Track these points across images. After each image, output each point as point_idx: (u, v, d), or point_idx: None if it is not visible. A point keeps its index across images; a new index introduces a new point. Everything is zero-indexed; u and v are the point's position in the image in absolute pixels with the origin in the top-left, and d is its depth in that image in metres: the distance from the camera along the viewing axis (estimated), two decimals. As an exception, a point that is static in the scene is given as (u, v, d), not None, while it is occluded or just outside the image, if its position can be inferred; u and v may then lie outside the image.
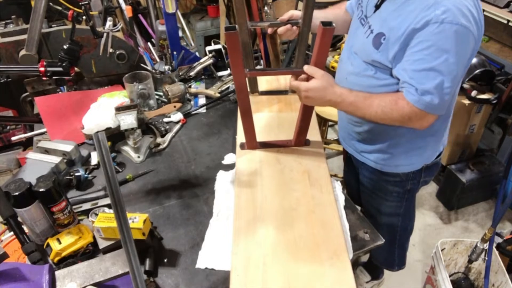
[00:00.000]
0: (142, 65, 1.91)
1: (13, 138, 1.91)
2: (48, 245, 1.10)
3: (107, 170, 0.79)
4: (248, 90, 1.29)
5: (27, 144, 2.40)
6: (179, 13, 2.16)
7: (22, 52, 1.71)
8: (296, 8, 3.14)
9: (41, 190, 1.07)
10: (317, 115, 2.33)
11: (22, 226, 1.09)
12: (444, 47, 1.01)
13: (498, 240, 1.87)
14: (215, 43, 2.14)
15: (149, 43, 2.10)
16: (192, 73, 1.98)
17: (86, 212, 1.25)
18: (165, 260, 1.12)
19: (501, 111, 2.37)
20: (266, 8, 2.29)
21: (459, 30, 1.00)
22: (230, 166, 1.44)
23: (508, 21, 2.30)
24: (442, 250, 1.88)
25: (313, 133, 1.41)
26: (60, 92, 1.88)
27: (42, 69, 1.54)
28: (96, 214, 1.19)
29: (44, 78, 1.58)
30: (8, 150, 2.64)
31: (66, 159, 1.41)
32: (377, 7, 1.19)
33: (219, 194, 1.32)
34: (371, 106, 1.14)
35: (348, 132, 1.45)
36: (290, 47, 2.91)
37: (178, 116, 1.72)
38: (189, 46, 2.28)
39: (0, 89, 2.24)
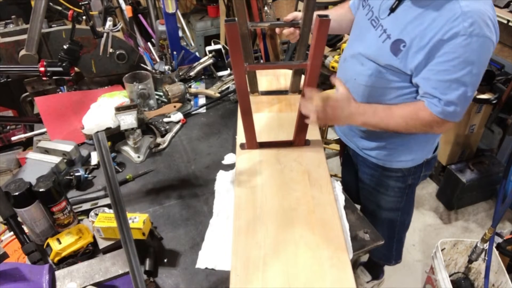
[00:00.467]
0: (142, 65, 1.91)
1: (13, 138, 1.91)
2: (48, 245, 1.10)
3: (107, 170, 0.79)
4: (248, 90, 1.29)
5: (27, 144, 2.40)
6: (179, 13, 2.16)
7: (22, 52, 1.71)
8: (296, 8, 3.15)
9: (41, 190, 1.07)
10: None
11: (22, 226, 1.09)
12: (469, 59, 1.03)
13: (498, 240, 1.87)
14: (215, 43, 2.14)
15: (149, 43, 2.10)
16: (192, 73, 1.98)
17: (86, 212, 1.25)
18: (165, 260, 1.12)
19: (501, 111, 2.37)
20: (266, 8, 2.30)
21: (485, 42, 1.02)
22: (230, 166, 1.44)
23: (508, 21, 2.30)
24: (442, 250, 1.88)
25: (313, 133, 1.41)
26: (60, 92, 1.88)
27: (42, 69, 1.54)
28: (96, 214, 1.18)
29: (44, 78, 1.58)
30: (8, 150, 2.64)
31: (66, 159, 1.41)
32: (392, 10, 1.17)
33: (219, 194, 1.32)
34: (393, 117, 1.16)
35: (350, 129, 1.46)
36: (290, 47, 2.91)
37: (178, 116, 1.72)
38: (189, 46, 2.28)
39: (0, 89, 2.24)
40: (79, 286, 1.01)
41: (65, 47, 1.58)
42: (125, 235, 0.81)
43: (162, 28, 2.05)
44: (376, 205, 1.57)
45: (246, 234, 1.06)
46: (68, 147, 1.41)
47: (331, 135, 3.18)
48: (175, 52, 1.96)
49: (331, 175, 1.28)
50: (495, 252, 1.79)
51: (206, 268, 1.09)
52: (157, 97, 1.84)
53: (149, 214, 1.19)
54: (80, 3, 1.55)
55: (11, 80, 1.93)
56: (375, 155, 1.41)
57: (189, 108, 1.80)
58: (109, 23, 1.72)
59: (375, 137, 1.37)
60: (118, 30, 1.78)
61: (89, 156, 1.51)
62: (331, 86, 2.74)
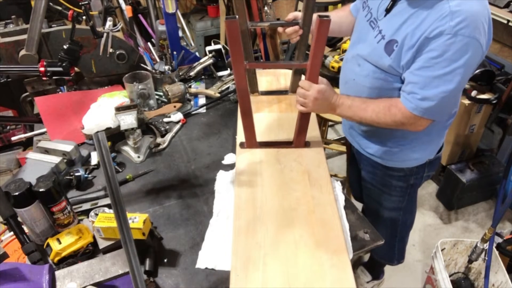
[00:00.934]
0: (142, 65, 1.91)
1: (13, 138, 1.91)
2: (48, 245, 1.10)
3: (107, 170, 0.79)
4: (248, 90, 1.29)
5: (27, 144, 2.40)
6: (179, 13, 2.16)
7: (22, 52, 1.71)
8: (296, 8, 3.15)
9: (41, 190, 1.07)
10: (317, 115, 2.33)
11: (22, 226, 1.09)
12: (453, 57, 1.03)
13: (498, 240, 1.87)
14: (215, 43, 2.14)
15: (149, 43, 2.10)
16: (192, 73, 1.98)
17: (86, 212, 1.25)
18: (165, 260, 1.12)
19: (501, 111, 2.37)
20: (266, 8, 2.30)
21: (470, 42, 1.01)
22: (230, 166, 1.44)
23: (508, 21, 2.30)
24: (442, 250, 1.88)
25: (313, 134, 1.41)
26: (60, 92, 1.88)
27: (42, 69, 1.54)
28: (96, 214, 1.18)
29: (44, 78, 1.58)
30: (8, 150, 2.64)
31: (66, 159, 1.41)
32: (388, 10, 1.18)
33: (219, 194, 1.32)
34: (366, 111, 1.20)
35: (353, 128, 1.47)
36: (290, 47, 2.91)
37: (178, 116, 1.72)
38: (189, 46, 2.28)
39: (0, 89, 2.24)
40: (79, 286, 1.01)
41: (65, 47, 1.58)
42: (125, 235, 0.81)
43: (162, 28, 2.05)
44: (378, 204, 1.58)
45: (246, 234, 1.07)
46: (68, 147, 1.41)
47: (331, 135, 3.18)
48: (175, 52, 1.96)
49: (331, 175, 1.28)
50: (495, 252, 1.79)
51: (206, 268, 1.09)
52: (157, 97, 1.84)
53: (149, 214, 1.19)
54: (80, 3, 1.55)
55: (11, 80, 1.93)
56: (377, 154, 1.41)
57: (189, 108, 1.80)
58: (109, 23, 1.72)
59: (376, 136, 1.38)
60: (118, 30, 1.78)
61: (89, 156, 1.51)
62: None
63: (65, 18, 1.58)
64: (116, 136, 1.54)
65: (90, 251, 1.12)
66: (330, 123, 2.54)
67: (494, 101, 2.30)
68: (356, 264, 2.10)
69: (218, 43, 2.13)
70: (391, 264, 1.82)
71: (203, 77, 2.04)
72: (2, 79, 1.91)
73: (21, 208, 1.07)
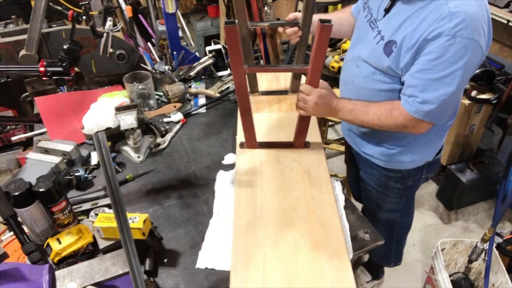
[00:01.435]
0: (142, 65, 1.91)
1: (13, 138, 1.91)
2: (48, 245, 1.10)
3: (107, 170, 0.79)
4: (248, 90, 1.29)
5: (27, 144, 2.40)
6: (179, 13, 2.16)
7: (22, 52, 1.71)
8: (296, 8, 3.15)
9: (41, 190, 1.07)
10: (317, 115, 2.33)
11: (22, 226, 1.09)
12: (452, 59, 1.02)
13: (498, 240, 1.87)
14: (215, 43, 2.14)
15: (149, 43, 2.10)
16: (192, 73, 1.98)
17: (86, 212, 1.25)
18: (165, 260, 1.12)
19: (501, 111, 2.37)
20: (266, 8, 2.30)
21: (469, 44, 1.01)
22: (230, 166, 1.44)
23: (508, 21, 2.30)
24: (442, 250, 1.88)
25: (313, 134, 1.41)
26: (60, 92, 1.88)
27: (42, 69, 1.54)
28: (96, 214, 1.19)
29: (44, 78, 1.58)
30: (8, 150, 2.64)
31: (66, 159, 1.41)
32: (387, 11, 1.18)
33: (219, 194, 1.32)
34: (368, 114, 1.19)
35: (351, 129, 1.46)
36: (290, 47, 2.91)
37: (178, 116, 1.72)
38: (189, 46, 2.28)
39: (0, 89, 2.24)
40: (79, 286, 1.01)
41: (65, 47, 1.58)
42: (125, 235, 0.81)
43: (162, 28, 2.05)
44: (376, 205, 1.58)
45: (246, 234, 1.07)
46: (68, 147, 1.41)
47: (331, 135, 3.18)
48: (175, 52, 1.96)
49: (331, 175, 1.28)
50: (495, 252, 1.79)
51: (206, 268, 1.09)
52: (157, 97, 1.84)
53: (149, 214, 1.19)
54: (80, 3, 1.55)
55: (11, 80, 1.93)
56: (375, 155, 1.41)
57: (189, 108, 1.80)
58: (109, 23, 1.72)
59: (374, 137, 1.38)
60: (118, 30, 1.78)
61: (89, 156, 1.51)
62: (331, 86, 2.74)
63: (65, 18, 1.58)
64: (116, 136, 1.54)
65: (90, 251, 1.12)
66: (330, 123, 2.55)
67: (494, 101, 2.30)
68: (356, 264, 2.10)
69: (218, 43, 2.13)
70: (388, 266, 1.81)
71: (203, 77, 2.04)
72: (2, 79, 1.91)
73: (21, 208, 1.07)
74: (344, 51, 2.65)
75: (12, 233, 1.17)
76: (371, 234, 1.18)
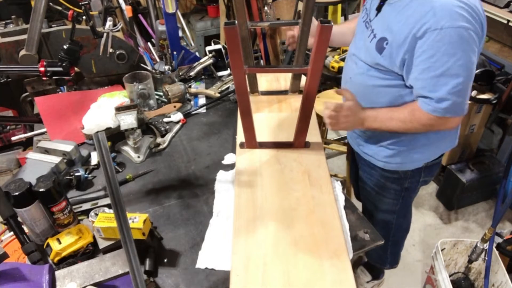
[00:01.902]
0: (142, 65, 1.91)
1: (13, 138, 1.91)
2: (48, 245, 1.10)
3: (107, 170, 0.79)
4: (248, 90, 1.29)
5: (27, 144, 2.41)
6: (179, 13, 2.16)
7: (22, 52, 1.71)
8: (296, 8, 3.14)
9: (41, 190, 1.07)
10: (317, 115, 2.33)
11: (22, 226, 1.09)
12: (449, 52, 1.03)
13: (498, 240, 1.87)
14: (215, 43, 2.14)
15: (149, 43, 2.10)
16: (192, 73, 1.98)
17: (86, 212, 1.25)
18: (165, 260, 1.12)
19: (501, 111, 2.37)
20: (266, 8, 2.30)
21: (460, 32, 1.01)
22: (230, 166, 1.44)
23: (508, 21, 2.30)
24: (442, 250, 1.88)
25: (313, 134, 1.41)
26: (60, 92, 1.88)
27: (42, 69, 1.54)
28: (96, 214, 1.19)
29: (44, 78, 1.59)
30: (8, 150, 2.64)
31: (66, 159, 1.41)
32: (378, 10, 1.20)
33: (219, 194, 1.32)
34: (392, 120, 1.20)
35: (353, 129, 1.47)
36: (290, 47, 2.91)
37: (178, 116, 1.72)
38: (189, 46, 2.28)
39: (0, 89, 2.24)
40: (79, 286, 1.01)
41: (65, 47, 1.58)
42: (125, 235, 0.81)
43: (162, 28, 2.05)
44: (373, 205, 1.58)
45: (246, 234, 1.06)
46: (68, 147, 1.41)
47: (331, 135, 3.18)
48: (175, 52, 1.96)
49: (331, 175, 1.28)
50: (495, 252, 1.79)
51: (206, 268, 1.09)
52: (157, 97, 1.84)
53: (149, 214, 1.19)
54: (80, 3, 1.55)
55: (11, 80, 1.93)
56: (373, 155, 1.41)
57: (189, 108, 1.80)
58: (109, 23, 1.72)
59: (373, 137, 1.38)
60: (118, 30, 1.78)
61: (89, 156, 1.51)
62: (331, 86, 2.74)
63: (65, 18, 1.58)
64: (116, 136, 1.54)
65: (90, 251, 1.12)
66: (330, 123, 2.54)
67: (494, 101, 2.30)
68: (356, 264, 2.10)
69: (218, 43, 2.13)
70: (384, 268, 1.81)
71: (203, 77, 2.04)
72: (2, 79, 1.91)
73: (21, 208, 1.07)
74: (344, 51, 2.65)
75: (12, 233, 1.17)
76: (371, 234, 1.18)
